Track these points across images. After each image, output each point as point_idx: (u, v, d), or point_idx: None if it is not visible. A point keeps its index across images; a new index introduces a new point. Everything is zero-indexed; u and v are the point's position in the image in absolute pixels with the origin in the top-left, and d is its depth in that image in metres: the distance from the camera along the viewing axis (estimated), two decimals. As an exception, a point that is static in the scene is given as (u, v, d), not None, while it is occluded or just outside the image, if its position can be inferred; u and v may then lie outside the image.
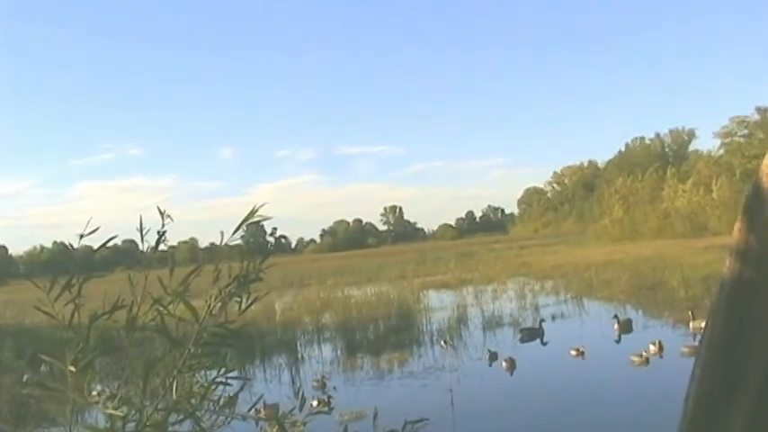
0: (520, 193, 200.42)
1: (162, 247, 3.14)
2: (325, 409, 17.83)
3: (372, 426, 2.99)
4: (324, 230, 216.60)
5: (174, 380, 2.97)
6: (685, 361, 20.21)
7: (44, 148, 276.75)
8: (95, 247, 3.09)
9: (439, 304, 37.47)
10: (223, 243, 3.08)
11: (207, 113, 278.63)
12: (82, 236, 2.99)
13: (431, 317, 32.82)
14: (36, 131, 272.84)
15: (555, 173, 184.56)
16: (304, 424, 3.24)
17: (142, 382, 2.90)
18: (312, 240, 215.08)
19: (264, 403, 16.74)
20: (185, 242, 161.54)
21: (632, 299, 34.44)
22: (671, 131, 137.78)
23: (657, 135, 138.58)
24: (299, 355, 27.80)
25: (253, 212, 3.05)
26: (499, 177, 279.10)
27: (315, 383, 20.91)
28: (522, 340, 26.74)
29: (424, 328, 30.47)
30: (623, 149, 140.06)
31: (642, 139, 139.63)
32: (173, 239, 3.22)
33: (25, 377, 3.56)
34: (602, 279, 40.67)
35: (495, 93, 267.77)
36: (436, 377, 21.49)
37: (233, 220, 3.08)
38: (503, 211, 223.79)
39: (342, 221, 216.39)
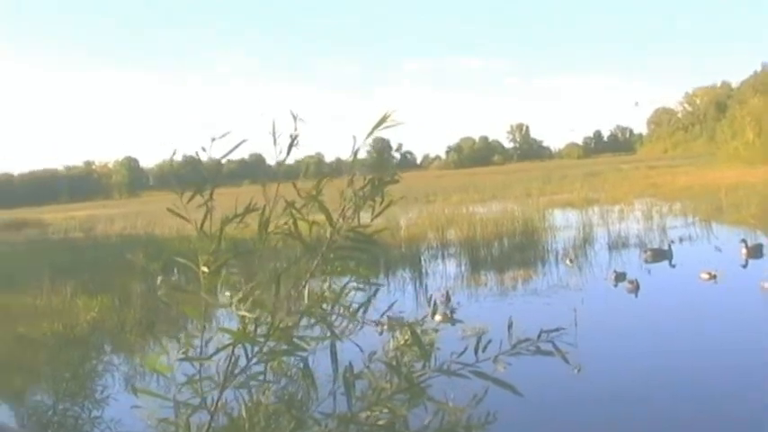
0: (649, 113, 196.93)
1: (290, 161, 3.11)
2: (450, 321, 17.97)
3: (507, 335, 2.93)
4: (449, 147, 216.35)
5: (305, 284, 2.96)
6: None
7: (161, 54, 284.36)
8: (225, 157, 3.08)
9: (564, 223, 37.16)
10: (355, 148, 3.02)
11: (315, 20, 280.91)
12: (214, 139, 2.98)
13: (555, 235, 32.63)
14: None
15: (686, 93, 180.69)
16: (436, 331, 3.21)
17: (274, 285, 2.89)
18: (437, 157, 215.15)
19: (388, 316, 16.93)
20: (311, 156, 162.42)
21: (763, 224, 33.54)
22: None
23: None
24: (423, 270, 27.91)
25: (384, 118, 2.98)
26: (627, 97, 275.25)
27: (441, 297, 20.99)
28: (649, 261, 26.33)
29: (549, 247, 30.27)
30: (759, 70, 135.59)
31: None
32: (298, 155, 3.19)
33: (159, 279, 3.63)
34: (732, 202, 39.62)
35: (624, 12, 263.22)
36: (560, 296, 21.36)
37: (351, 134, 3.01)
38: (631, 131, 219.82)
39: (467, 138, 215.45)
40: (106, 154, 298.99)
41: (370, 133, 2.96)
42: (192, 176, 3.09)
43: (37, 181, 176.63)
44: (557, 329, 2.91)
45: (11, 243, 48.40)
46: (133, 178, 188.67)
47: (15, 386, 14.15)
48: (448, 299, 20.84)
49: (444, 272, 27.54)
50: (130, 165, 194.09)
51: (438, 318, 18.41)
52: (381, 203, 2.93)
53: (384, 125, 2.97)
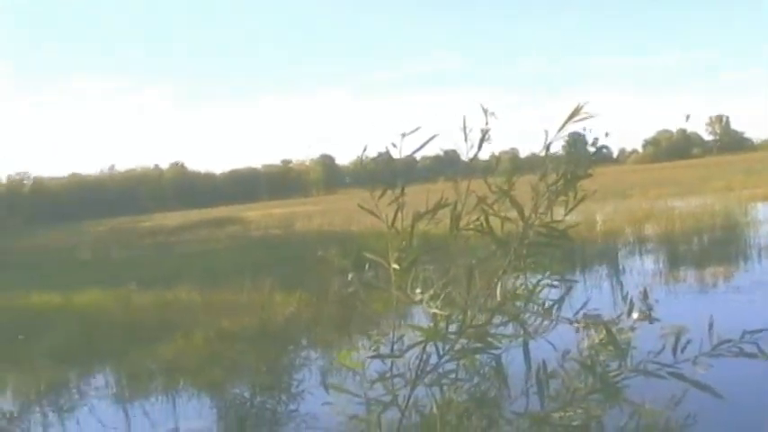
0: None
1: (484, 156, 3.08)
2: (647, 320, 17.57)
3: (708, 334, 2.81)
4: (646, 140, 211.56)
5: (498, 281, 2.91)
6: None
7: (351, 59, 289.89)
8: (417, 155, 3.08)
9: (768, 217, 35.76)
10: (547, 142, 2.95)
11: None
12: (404, 135, 2.97)
13: (759, 230, 31.37)
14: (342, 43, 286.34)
15: None
16: (632, 330, 3.12)
17: (466, 282, 2.86)
18: (634, 150, 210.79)
19: (585, 313, 16.68)
20: (505, 152, 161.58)
21: None
22: None
23: None
24: (620, 266, 27.34)
25: (577, 111, 2.90)
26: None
27: (638, 295, 20.45)
28: None
29: (752, 242, 29.09)
30: None
31: None
32: (492, 150, 3.17)
33: (350, 275, 3.64)
34: None
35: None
36: (764, 292, 20.49)
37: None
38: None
39: (665, 131, 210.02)
40: (302, 152, 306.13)
41: (563, 126, 2.89)
42: (384, 174, 3.09)
43: (238, 179, 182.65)
44: (761, 330, 2.77)
45: (215, 240, 50.14)
46: (329, 176, 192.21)
47: (216, 379, 14.63)
48: (645, 296, 20.29)
49: (641, 268, 26.85)
50: (326, 163, 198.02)
51: (635, 316, 18.01)
52: (575, 198, 2.86)
53: (576, 118, 2.90)
